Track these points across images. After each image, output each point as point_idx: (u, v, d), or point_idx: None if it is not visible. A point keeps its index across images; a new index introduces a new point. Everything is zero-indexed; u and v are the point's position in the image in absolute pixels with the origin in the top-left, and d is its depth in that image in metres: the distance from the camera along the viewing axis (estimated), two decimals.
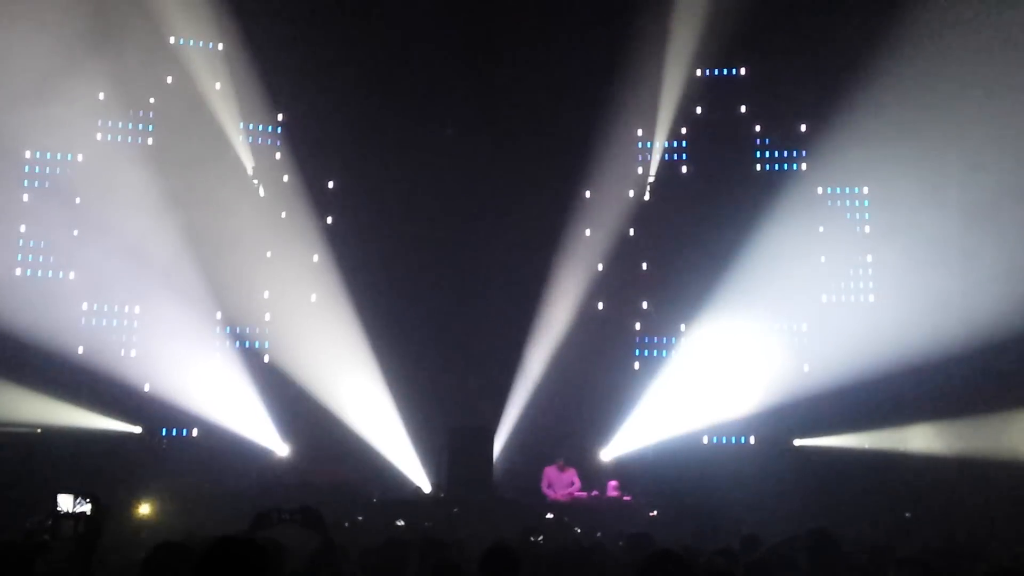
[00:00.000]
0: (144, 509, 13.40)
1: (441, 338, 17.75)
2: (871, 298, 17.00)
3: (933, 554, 7.20)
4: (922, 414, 15.78)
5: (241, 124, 17.33)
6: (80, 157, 16.48)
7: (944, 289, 16.15)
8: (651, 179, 18.09)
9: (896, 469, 15.75)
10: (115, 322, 16.56)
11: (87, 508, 4.49)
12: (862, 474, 15.70)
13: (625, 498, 15.50)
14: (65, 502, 4.52)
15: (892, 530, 12.44)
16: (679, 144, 17.93)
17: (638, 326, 18.39)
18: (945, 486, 14.72)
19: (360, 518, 13.73)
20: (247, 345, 17.13)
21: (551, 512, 14.41)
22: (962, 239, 15.98)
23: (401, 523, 13.30)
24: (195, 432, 16.51)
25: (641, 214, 18.05)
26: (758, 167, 17.80)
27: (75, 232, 16.18)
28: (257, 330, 17.23)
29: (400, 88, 17.18)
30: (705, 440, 17.15)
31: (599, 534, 12.54)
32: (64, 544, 4.38)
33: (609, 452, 17.55)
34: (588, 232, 18.06)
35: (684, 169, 18.04)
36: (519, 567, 5.21)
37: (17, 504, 10.23)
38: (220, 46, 17.16)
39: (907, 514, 13.95)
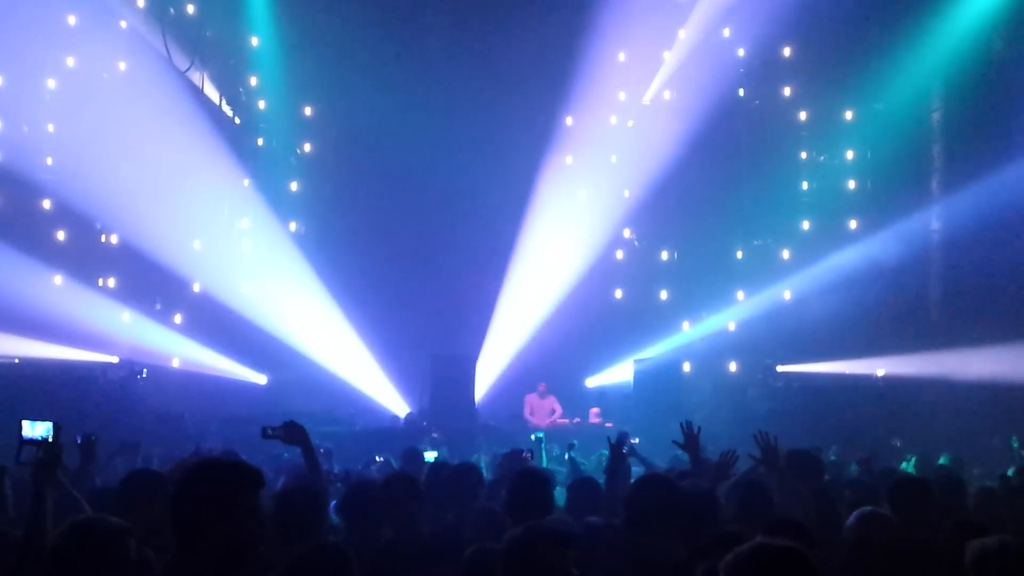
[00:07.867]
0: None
1: (421, 267, 17.65)
2: (852, 224, 16.91)
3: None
4: (906, 341, 15.76)
5: (215, 49, 16.98)
6: (52, 83, 16.09)
7: (925, 215, 16.18)
8: (634, 105, 17.89)
9: (882, 396, 15.75)
10: (92, 251, 16.29)
11: (49, 434, 4.59)
12: (846, 401, 15.68)
13: (607, 424, 15.55)
14: (28, 428, 4.65)
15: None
16: (662, 69, 17.67)
17: (620, 254, 18.34)
18: (933, 413, 14.67)
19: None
20: (224, 275, 16.90)
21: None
22: (945, 166, 16.02)
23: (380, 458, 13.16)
24: (176, 362, 16.40)
25: (623, 140, 17.86)
26: (741, 92, 17.61)
27: (49, 160, 15.85)
28: (234, 259, 17.01)
29: (379, 11, 16.83)
30: (687, 367, 17.11)
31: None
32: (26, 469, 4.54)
33: (592, 380, 17.62)
34: (570, 159, 17.90)
35: (667, 94, 17.82)
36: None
37: None
38: None
39: (896, 442, 13.88)
